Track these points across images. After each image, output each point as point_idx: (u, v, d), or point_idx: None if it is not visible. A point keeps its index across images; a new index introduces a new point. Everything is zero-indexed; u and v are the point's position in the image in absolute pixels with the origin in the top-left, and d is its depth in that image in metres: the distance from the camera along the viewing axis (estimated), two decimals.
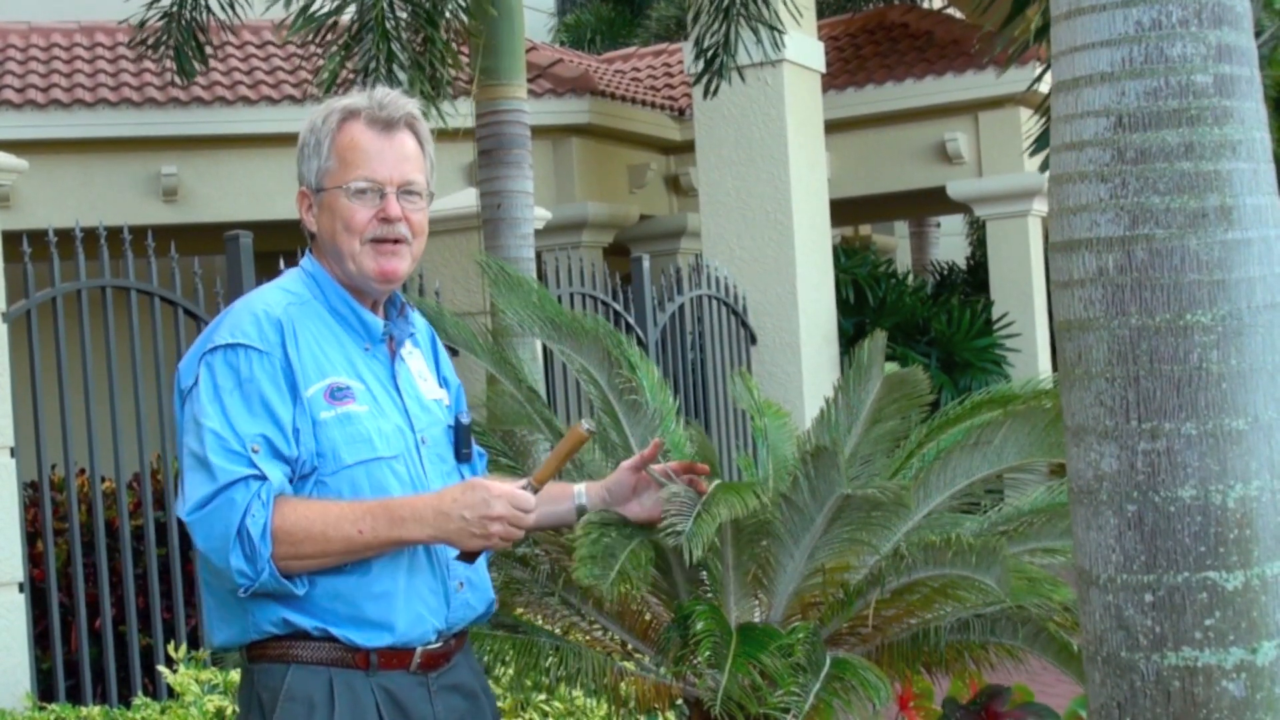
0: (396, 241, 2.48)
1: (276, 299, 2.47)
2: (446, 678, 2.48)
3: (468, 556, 2.43)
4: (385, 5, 6.38)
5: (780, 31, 8.21)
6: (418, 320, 2.68)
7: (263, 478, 2.31)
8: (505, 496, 2.36)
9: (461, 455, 2.59)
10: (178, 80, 9.23)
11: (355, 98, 2.53)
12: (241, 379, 2.36)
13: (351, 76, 6.80)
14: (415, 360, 2.60)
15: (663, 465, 2.71)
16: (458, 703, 2.49)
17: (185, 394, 2.42)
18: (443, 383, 2.67)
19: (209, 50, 9.15)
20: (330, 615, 2.37)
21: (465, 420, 2.61)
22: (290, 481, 2.36)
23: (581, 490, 2.69)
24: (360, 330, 2.51)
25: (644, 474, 2.69)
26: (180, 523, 2.69)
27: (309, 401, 2.38)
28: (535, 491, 2.42)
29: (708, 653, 2.71)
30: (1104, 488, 2.28)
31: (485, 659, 2.93)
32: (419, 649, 2.43)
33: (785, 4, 8.33)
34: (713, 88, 8.42)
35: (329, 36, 6.96)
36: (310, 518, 2.31)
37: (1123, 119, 2.25)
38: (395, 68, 6.38)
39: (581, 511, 2.66)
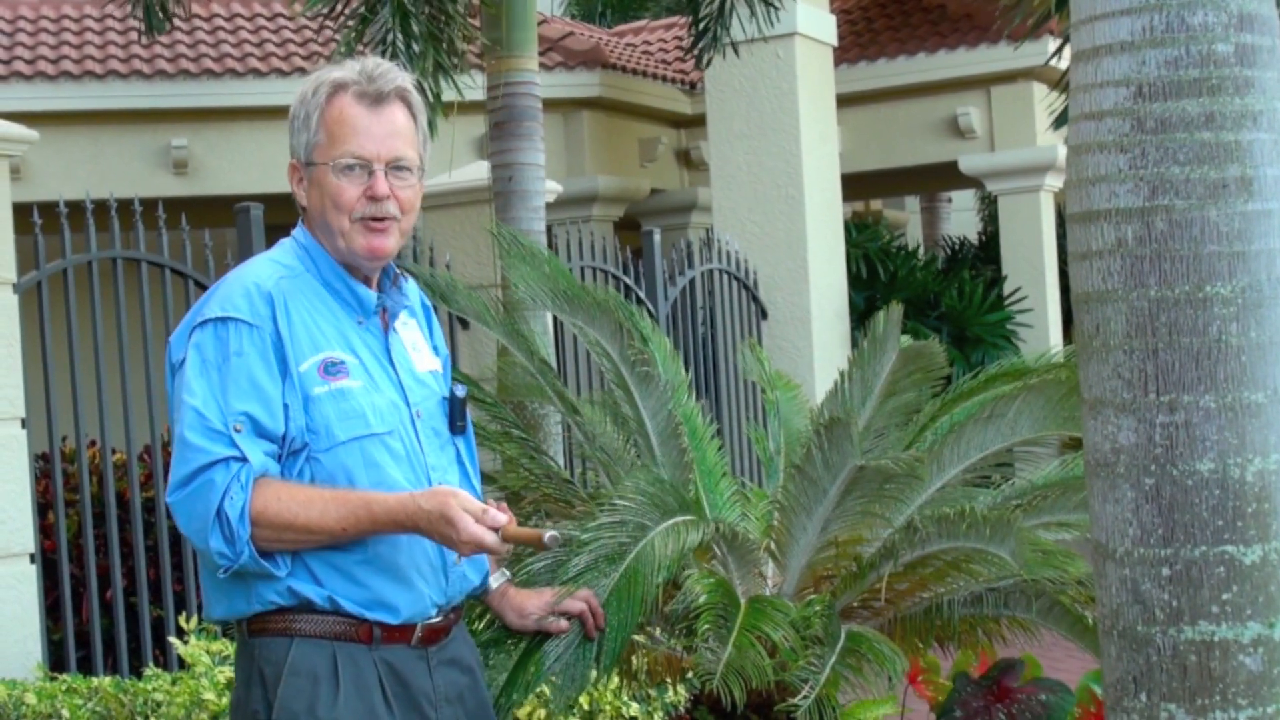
0: (384, 219, 2.43)
1: (268, 272, 2.44)
2: (445, 652, 2.48)
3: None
4: None
5: (775, 7, 8.17)
6: (411, 290, 2.62)
7: (243, 459, 2.28)
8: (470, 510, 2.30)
9: (455, 428, 2.56)
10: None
11: (345, 69, 2.45)
12: (230, 353, 2.33)
13: (364, 50, 6.76)
14: (410, 331, 2.56)
15: (571, 602, 2.64)
16: (456, 676, 2.48)
17: (176, 368, 2.41)
18: (435, 353, 2.62)
19: (220, 20, 9.06)
20: (335, 586, 2.35)
21: (460, 393, 2.57)
22: (279, 459, 2.33)
23: (501, 574, 2.67)
24: (353, 303, 2.47)
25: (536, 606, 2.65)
26: None
27: (301, 376, 2.34)
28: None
29: (706, 626, 2.70)
30: (1121, 461, 2.26)
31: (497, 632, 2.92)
32: (420, 623, 2.42)
33: None
34: (705, 60, 8.37)
35: (343, 10, 6.93)
36: (294, 507, 2.28)
37: (1143, 88, 2.23)
38: (410, 41, 6.34)
39: (488, 588, 2.64)
